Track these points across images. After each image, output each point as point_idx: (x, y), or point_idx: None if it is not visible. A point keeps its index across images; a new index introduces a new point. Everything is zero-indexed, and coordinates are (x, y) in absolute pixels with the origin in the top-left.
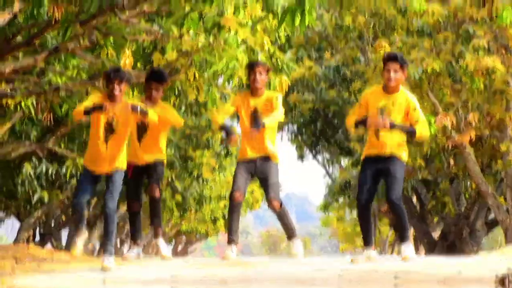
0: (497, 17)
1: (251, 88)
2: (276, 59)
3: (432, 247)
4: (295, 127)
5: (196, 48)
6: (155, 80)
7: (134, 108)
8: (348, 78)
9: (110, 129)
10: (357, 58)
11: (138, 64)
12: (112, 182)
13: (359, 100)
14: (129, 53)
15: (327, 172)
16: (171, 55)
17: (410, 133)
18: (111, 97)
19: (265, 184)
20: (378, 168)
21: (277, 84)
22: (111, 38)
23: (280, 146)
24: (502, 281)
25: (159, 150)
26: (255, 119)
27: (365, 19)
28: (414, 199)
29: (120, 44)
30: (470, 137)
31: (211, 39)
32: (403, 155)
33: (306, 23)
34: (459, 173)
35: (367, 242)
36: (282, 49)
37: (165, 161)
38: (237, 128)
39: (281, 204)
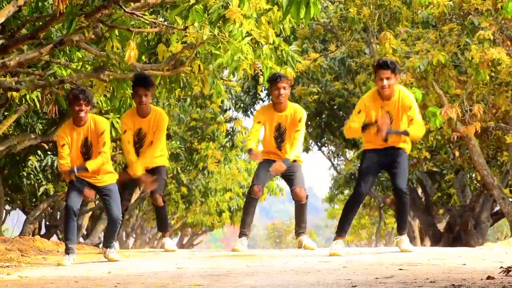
0: (503, 9)
1: (274, 103)
2: (281, 51)
3: (437, 239)
4: None
5: (201, 40)
6: (142, 86)
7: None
8: (353, 70)
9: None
10: (362, 50)
11: (143, 57)
12: (111, 192)
13: (356, 108)
14: (134, 45)
15: (333, 164)
16: (175, 47)
17: (405, 135)
18: (77, 120)
19: (291, 176)
20: (381, 160)
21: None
22: (116, 31)
23: None
24: (508, 272)
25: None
26: (280, 135)
27: (370, 10)
28: (420, 190)
29: (125, 37)
30: (476, 128)
31: (216, 31)
32: (407, 146)
33: (311, 15)
34: (464, 165)
35: (345, 233)
36: (287, 41)
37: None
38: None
39: (307, 196)
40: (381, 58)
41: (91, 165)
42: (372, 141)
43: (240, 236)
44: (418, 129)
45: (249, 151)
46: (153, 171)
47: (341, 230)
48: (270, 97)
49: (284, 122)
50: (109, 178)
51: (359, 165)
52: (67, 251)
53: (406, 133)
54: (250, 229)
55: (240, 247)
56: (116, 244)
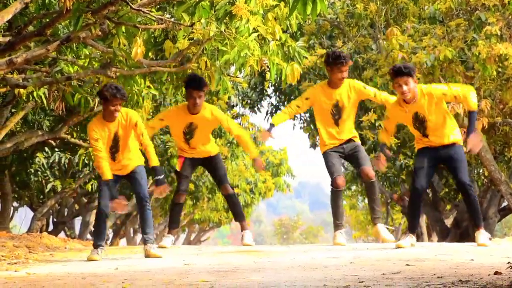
0: (510, 4)
1: (330, 81)
2: (288, 47)
3: (444, 234)
4: (307, 115)
5: (208, 36)
6: (195, 89)
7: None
8: (360, 66)
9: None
10: (369, 46)
11: (150, 53)
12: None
13: (386, 115)
14: (141, 42)
15: None
16: (182, 43)
17: (473, 131)
18: (109, 117)
19: (356, 155)
20: (437, 155)
21: (288, 73)
22: (123, 27)
23: (292, 135)
24: None
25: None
26: (338, 113)
27: (377, 6)
28: None
29: (131, 33)
30: (483, 124)
31: (222, 27)
32: (458, 138)
33: (318, 11)
34: (472, 160)
35: (413, 229)
36: (294, 37)
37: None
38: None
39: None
40: (394, 64)
41: (154, 160)
42: (419, 142)
43: (338, 229)
44: (470, 95)
45: (271, 125)
46: (209, 160)
47: (410, 227)
48: (277, 93)
49: (340, 99)
50: (137, 160)
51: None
52: (97, 246)
53: (474, 121)
54: (344, 219)
55: (343, 240)
56: (169, 239)
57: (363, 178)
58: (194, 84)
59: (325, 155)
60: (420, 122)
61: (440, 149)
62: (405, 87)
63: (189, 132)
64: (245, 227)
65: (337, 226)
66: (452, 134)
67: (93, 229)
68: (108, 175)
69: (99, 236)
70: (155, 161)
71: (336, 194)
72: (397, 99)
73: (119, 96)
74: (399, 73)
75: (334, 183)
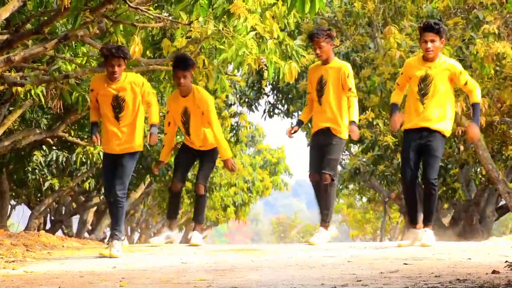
0: (507, 3)
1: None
2: (286, 46)
3: (442, 233)
4: None
5: (206, 35)
6: (180, 69)
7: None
8: (357, 64)
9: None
10: (367, 44)
11: (148, 52)
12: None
13: (401, 71)
14: (138, 40)
15: None
16: (180, 42)
17: (477, 122)
18: (111, 77)
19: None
20: (419, 143)
21: (286, 71)
22: (121, 26)
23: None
24: None
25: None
26: (321, 89)
27: (375, 5)
28: None
29: (129, 31)
30: (480, 123)
31: (220, 26)
32: (444, 128)
33: (316, 9)
34: (469, 159)
35: (413, 221)
36: (292, 35)
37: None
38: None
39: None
40: (427, 20)
41: (155, 117)
42: (410, 114)
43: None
44: (477, 90)
45: (299, 121)
46: (204, 154)
47: (410, 220)
48: (274, 91)
49: (326, 76)
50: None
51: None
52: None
53: (478, 110)
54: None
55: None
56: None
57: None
58: (177, 64)
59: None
60: (426, 84)
61: (423, 136)
62: (430, 44)
63: (186, 121)
64: (197, 229)
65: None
66: (443, 121)
67: (90, 227)
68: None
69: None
70: (155, 119)
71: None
72: (417, 57)
73: (117, 55)
74: (429, 28)
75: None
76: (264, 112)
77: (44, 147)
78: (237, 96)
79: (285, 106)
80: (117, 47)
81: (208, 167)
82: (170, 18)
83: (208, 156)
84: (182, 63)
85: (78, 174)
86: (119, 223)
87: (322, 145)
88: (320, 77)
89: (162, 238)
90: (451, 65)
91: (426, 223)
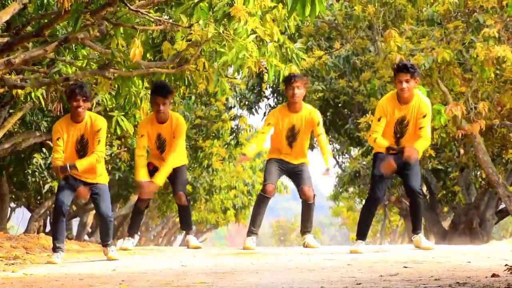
0: (508, 6)
1: (288, 104)
2: (286, 49)
3: (442, 237)
4: None
5: (206, 38)
6: (159, 95)
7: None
8: (358, 67)
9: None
10: (367, 47)
11: (148, 55)
12: (102, 192)
13: (376, 114)
14: (139, 43)
15: (337, 162)
16: (180, 45)
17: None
18: (74, 115)
19: (299, 175)
20: (397, 162)
21: (286, 74)
22: (121, 28)
23: None
24: None
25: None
26: (292, 135)
27: (375, 8)
28: (424, 188)
29: (129, 34)
30: (480, 126)
31: (220, 29)
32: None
33: (317, 12)
34: (469, 162)
35: (363, 236)
36: (292, 39)
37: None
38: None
39: (314, 196)
40: (401, 61)
41: (82, 163)
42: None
43: (249, 235)
44: (424, 143)
45: (243, 154)
46: (174, 172)
47: (361, 234)
48: (275, 94)
49: (298, 124)
50: (101, 179)
51: (372, 169)
52: (56, 249)
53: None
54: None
55: (253, 245)
56: (132, 240)
57: (301, 197)
58: (158, 91)
59: (270, 162)
60: (402, 126)
61: (400, 156)
62: (405, 85)
63: (160, 146)
64: (190, 234)
65: (251, 232)
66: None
67: (90, 230)
68: (61, 161)
69: (57, 236)
70: (79, 163)
71: (262, 199)
72: (390, 96)
73: (78, 92)
74: (403, 69)
75: (264, 189)
76: (264, 115)
77: (44, 149)
78: (237, 99)
79: None
80: (80, 85)
81: (183, 179)
82: (171, 21)
83: (180, 172)
84: (162, 90)
85: None
86: (110, 236)
87: (289, 170)
88: (292, 126)
89: (197, 241)
90: (421, 105)
91: (417, 230)
